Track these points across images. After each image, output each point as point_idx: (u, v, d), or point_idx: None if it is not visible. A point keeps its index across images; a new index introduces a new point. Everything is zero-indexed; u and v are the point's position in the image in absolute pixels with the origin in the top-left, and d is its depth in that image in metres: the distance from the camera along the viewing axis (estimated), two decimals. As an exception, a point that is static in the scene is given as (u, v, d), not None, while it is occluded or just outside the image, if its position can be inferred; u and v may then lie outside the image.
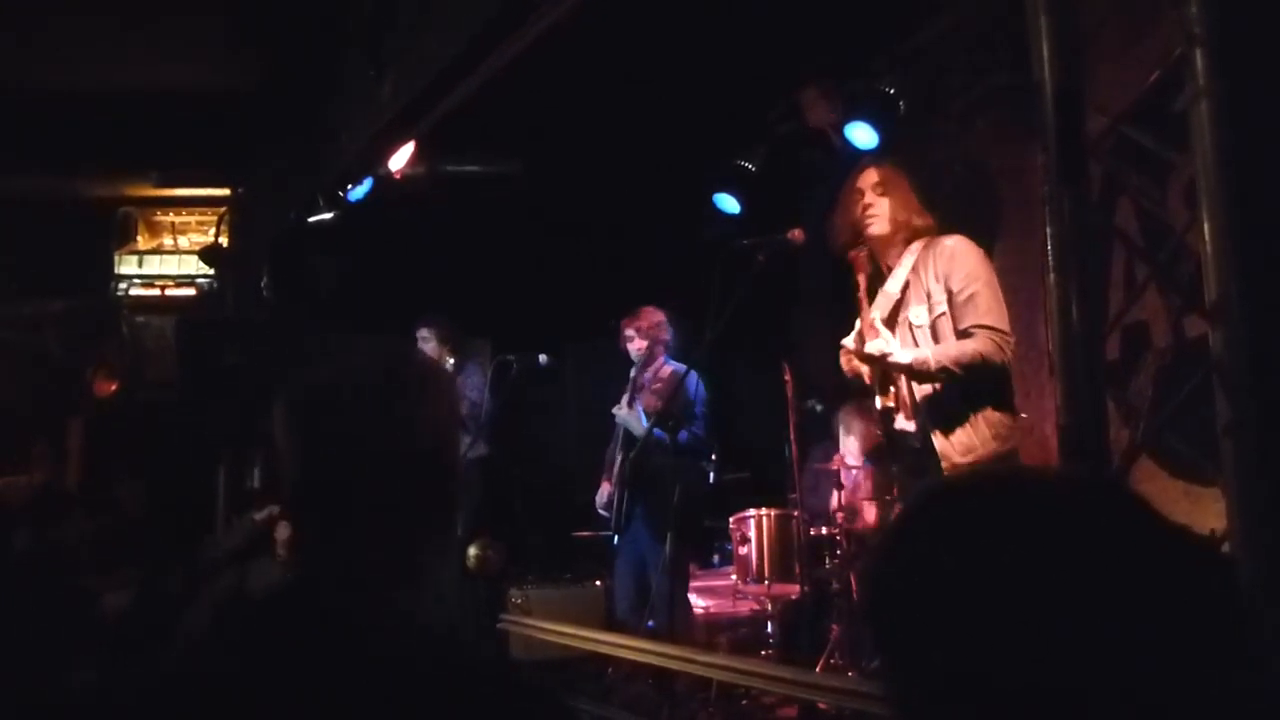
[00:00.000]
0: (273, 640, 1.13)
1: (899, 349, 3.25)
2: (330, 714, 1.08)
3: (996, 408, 3.27)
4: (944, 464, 3.27)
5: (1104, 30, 3.33)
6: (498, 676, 1.17)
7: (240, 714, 1.09)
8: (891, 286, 3.42)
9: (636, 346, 5.37)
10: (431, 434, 1.24)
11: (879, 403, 3.49)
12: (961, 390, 3.25)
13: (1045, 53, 2.26)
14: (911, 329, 3.35)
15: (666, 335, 5.40)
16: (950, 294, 3.26)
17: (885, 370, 3.36)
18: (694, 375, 5.09)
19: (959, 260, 3.29)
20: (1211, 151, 2.00)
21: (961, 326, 3.24)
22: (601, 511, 5.45)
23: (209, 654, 1.16)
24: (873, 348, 3.24)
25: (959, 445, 3.24)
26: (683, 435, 5.06)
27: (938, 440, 3.27)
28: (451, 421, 1.31)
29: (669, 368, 5.34)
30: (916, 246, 3.40)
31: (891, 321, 3.39)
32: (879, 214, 3.46)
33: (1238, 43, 1.99)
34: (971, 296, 3.23)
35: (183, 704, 1.11)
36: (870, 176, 3.52)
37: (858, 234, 3.54)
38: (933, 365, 3.20)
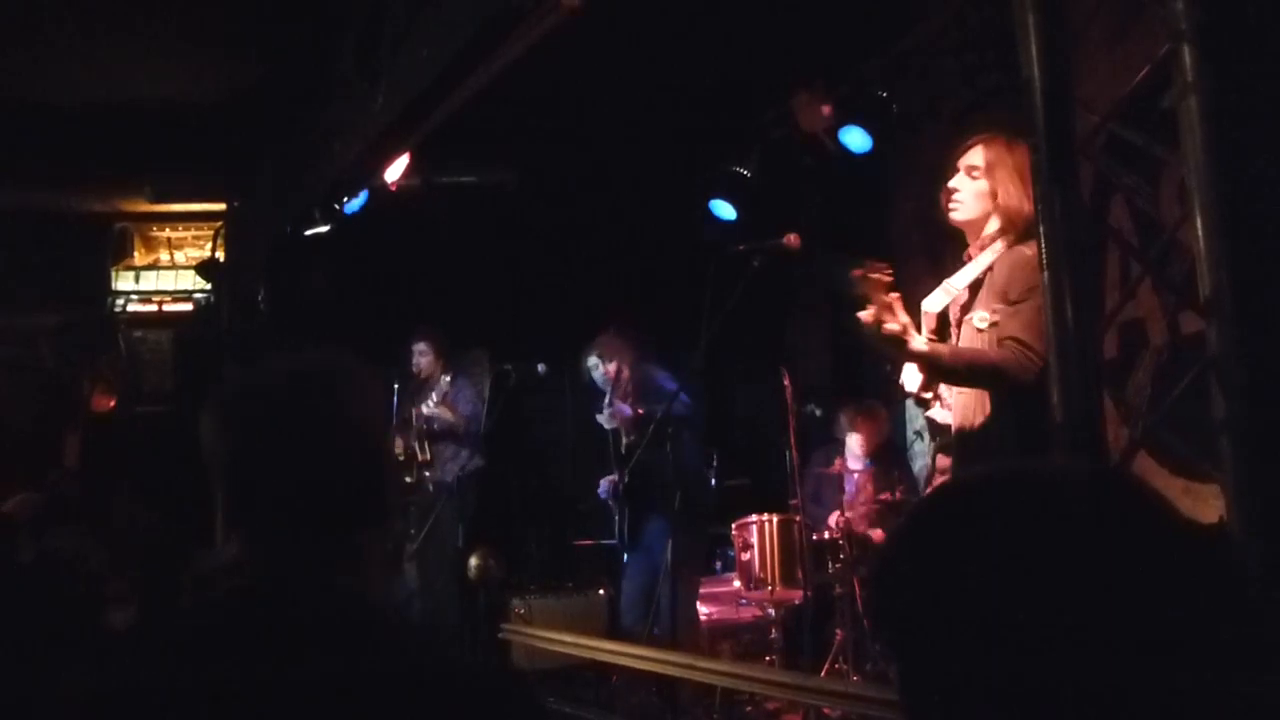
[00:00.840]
0: (211, 638, 1.17)
1: (917, 336, 2.93)
2: (278, 707, 1.09)
3: (1028, 435, 2.90)
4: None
5: (1092, 28, 3.32)
6: (450, 661, 1.19)
7: (184, 715, 1.11)
8: (958, 282, 3.10)
9: (604, 373, 5.40)
10: (357, 428, 1.28)
11: (916, 393, 3.33)
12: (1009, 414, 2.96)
13: (1034, 52, 2.26)
14: (975, 331, 3.05)
15: (630, 354, 5.40)
16: (1007, 301, 2.94)
17: (899, 360, 3.06)
18: (647, 365, 5.18)
19: (1030, 271, 2.86)
20: (1201, 148, 2.00)
21: (1002, 336, 2.93)
22: (601, 494, 5.42)
23: (151, 658, 1.20)
24: (892, 328, 2.87)
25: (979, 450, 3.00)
26: (676, 409, 4.90)
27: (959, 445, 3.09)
28: (374, 418, 1.35)
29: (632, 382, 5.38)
30: (1002, 244, 3.03)
31: (945, 316, 3.12)
32: (964, 200, 3.07)
33: (1225, 39, 1.99)
34: (1020, 310, 2.91)
35: (131, 707, 1.13)
36: (974, 155, 3.08)
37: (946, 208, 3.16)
38: (946, 362, 2.94)
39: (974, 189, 3.05)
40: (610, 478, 5.34)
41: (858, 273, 2.93)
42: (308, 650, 1.13)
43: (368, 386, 1.34)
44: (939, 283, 3.16)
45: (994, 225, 3.04)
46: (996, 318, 2.94)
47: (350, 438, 1.26)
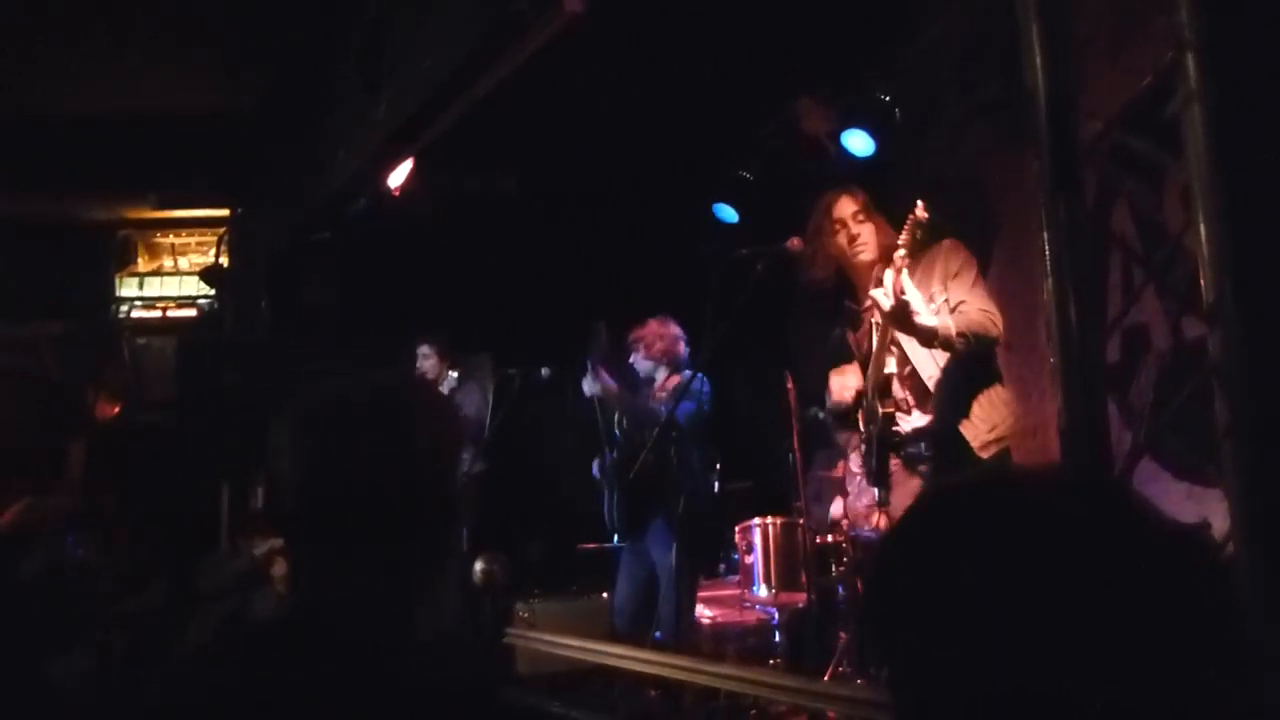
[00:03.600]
0: (275, 662, 1.15)
1: (925, 312, 3.35)
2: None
3: (1001, 384, 3.52)
4: (974, 444, 3.40)
5: (1097, 35, 3.34)
6: (489, 701, 1.19)
7: None
8: (879, 294, 3.45)
9: (642, 357, 5.32)
10: (429, 454, 1.27)
11: (879, 409, 3.51)
12: (968, 375, 3.44)
13: (1037, 60, 2.27)
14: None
15: (680, 349, 5.28)
16: (946, 280, 3.47)
17: (907, 331, 3.44)
18: (700, 378, 5.01)
19: (954, 253, 3.52)
20: (1204, 156, 2.01)
21: (958, 303, 3.42)
22: (595, 474, 5.36)
23: (211, 676, 1.18)
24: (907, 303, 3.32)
25: (984, 424, 3.41)
26: (681, 410, 4.85)
27: (962, 424, 3.41)
28: (449, 442, 1.34)
29: (676, 378, 5.27)
30: (897, 262, 3.43)
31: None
32: (867, 242, 3.60)
33: (1228, 47, 2.00)
34: (963, 280, 3.46)
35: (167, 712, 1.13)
36: (847, 205, 3.64)
37: (839, 264, 3.66)
38: (954, 330, 3.33)
39: (868, 229, 3.62)
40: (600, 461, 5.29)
41: (917, 215, 3.37)
42: (360, 673, 1.12)
43: (440, 407, 1.32)
44: None
45: (882, 260, 3.52)
46: (946, 294, 3.44)
47: (423, 460, 1.25)
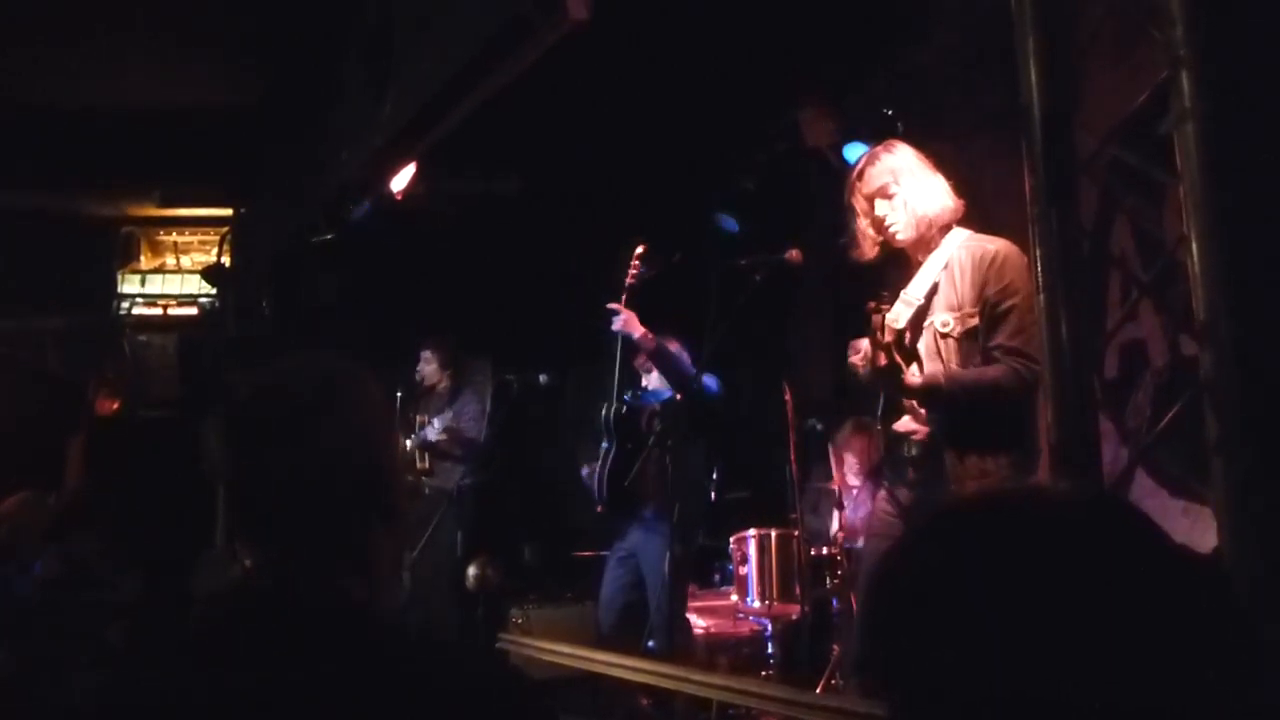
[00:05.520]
0: (223, 640, 1.18)
1: (912, 372, 2.93)
2: (285, 708, 1.10)
3: (1018, 439, 2.97)
4: (953, 485, 2.95)
5: (1096, 48, 3.33)
6: (457, 661, 1.21)
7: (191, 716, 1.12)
8: (915, 291, 3.09)
9: (658, 383, 5.25)
10: (360, 430, 1.29)
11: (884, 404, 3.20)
12: (985, 415, 2.94)
13: (1033, 75, 2.27)
14: (936, 336, 3.03)
15: (670, 339, 5.24)
16: (985, 304, 2.96)
17: (894, 394, 3.05)
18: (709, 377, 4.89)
19: (1000, 269, 2.97)
20: (1198, 173, 2.00)
21: (989, 344, 2.95)
22: (583, 474, 5.27)
23: (160, 661, 1.21)
24: (889, 367, 2.89)
25: (973, 469, 2.92)
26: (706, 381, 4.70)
27: (950, 459, 2.96)
28: (378, 422, 1.36)
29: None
30: (953, 240, 3.08)
31: (915, 327, 3.08)
32: (898, 220, 3.09)
33: (1223, 65, 2.00)
34: (1006, 312, 2.93)
35: (139, 709, 1.14)
36: (872, 180, 3.14)
37: (883, 238, 3.18)
38: (944, 391, 2.93)
39: (899, 207, 3.08)
40: (589, 466, 5.17)
41: (870, 305, 2.93)
42: (312, 656, 1.14)
43: (369, 387, 1.34)
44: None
45: (933, 232, 3.09)
46: (974, 322, 2.95)
47: (353, 440, 1.27)
